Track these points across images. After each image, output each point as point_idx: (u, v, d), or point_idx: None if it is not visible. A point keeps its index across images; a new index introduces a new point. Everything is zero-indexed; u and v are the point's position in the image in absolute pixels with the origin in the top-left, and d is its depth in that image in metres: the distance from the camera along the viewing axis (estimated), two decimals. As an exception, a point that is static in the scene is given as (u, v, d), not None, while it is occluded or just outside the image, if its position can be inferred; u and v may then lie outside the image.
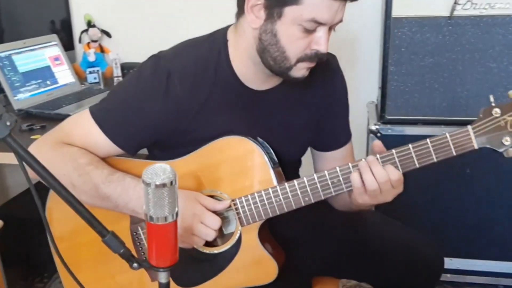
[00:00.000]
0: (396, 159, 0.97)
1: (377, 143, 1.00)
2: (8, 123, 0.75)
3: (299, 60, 0.97)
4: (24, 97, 1.75)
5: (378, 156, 0.97)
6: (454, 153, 0.96)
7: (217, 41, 1.06)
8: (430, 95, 1.66)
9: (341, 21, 0.96)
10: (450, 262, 1.80)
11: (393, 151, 0.97)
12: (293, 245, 1.15)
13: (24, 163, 0.78)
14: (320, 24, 0.93)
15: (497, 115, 0.94)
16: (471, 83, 1.63)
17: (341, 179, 0.99)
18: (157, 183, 0.75)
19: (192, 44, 1.07)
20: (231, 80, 1.05)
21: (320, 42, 0.95)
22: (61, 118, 1.60)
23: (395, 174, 0.95)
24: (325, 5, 0.91)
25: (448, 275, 1.83)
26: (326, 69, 1.12)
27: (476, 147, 0.95)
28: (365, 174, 0.96)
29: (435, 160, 0.97)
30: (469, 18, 1.58)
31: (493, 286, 1.90)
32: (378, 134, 1.71)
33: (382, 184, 0.95)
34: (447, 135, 0.95)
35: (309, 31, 0.94)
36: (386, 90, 1.68)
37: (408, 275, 1.18)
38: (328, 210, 1.23)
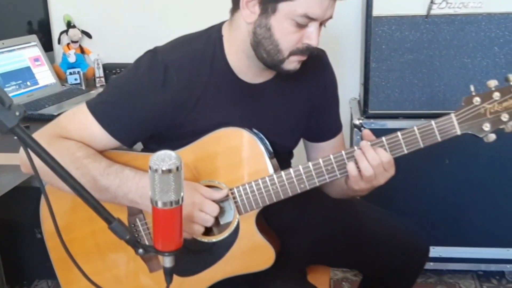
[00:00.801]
0: (386, 145, 1.01)
1: (367, 132, 1.04)
2: (17, 113, 0.76)
3: (291, 53, 1.01)
4: (4, 98, 1.72)
5: (369, 143, 1.01)
6: (439, 139, 1.00)
7: (212, 36, 1.09)
8: (410, 90, 1.73)
9: (331, 17, 1.01)
10: (433, 251, 1.83)
11: (383, 138, 1.02)
12: (286, 234, 1.17)
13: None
14: (311, 19, 0.98)
15: (477, 103, 0.99)
16: (447, 78, 1.71)
17: (335, 166, 1.03)
18: (164, 168, 0.76)
19: (188, 39, 1.10)
20: (227, 74, 1.08)
21: (312, 37, 0.99)
22: (45, 118, 1.60)
23: (385, 156, 0.99)
24: (317, 2, 0.96)
25: (431, 263, 1.89)
26: (317, 63, 1.16)
27: (459, 133, 1.00)
28: (361, 162, 0.99)
29: (421, 146, 1.01)
30: (444, 17, 1.67)
31: (473, 272, 2.00)
32: (362, 128, 1.77)
33: (375, 167, 0.99)
34: (433, 122, 1.00)
35: (301, 26, 0.98)
36: (368, 86, 1.74)
37: (396, 261, 1.23)
38: (319, 201, 1.26)
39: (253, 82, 1.10)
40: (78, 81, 2.06)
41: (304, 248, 1.21)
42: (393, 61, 1.71)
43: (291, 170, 1.04)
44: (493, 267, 1.94)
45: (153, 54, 1.06)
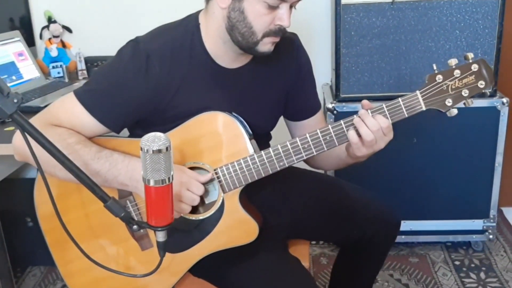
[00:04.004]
0: (386, 111, 1.06)
1: (365, 102, 1.09)
2: (15, 100, 0.82)
3: (265, 34, 1.08)
4: (-11, 93, 1.75)
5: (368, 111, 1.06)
6: (406, 115, 1.07)
7: (189, 25, 1.14)
8: (378, 74, 1.82)
9: None
10: (404, 224, 1.90)
11: (383, 104, 1.07)
12: (268, 210, 1.24)
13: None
14: (282, 1, 1.04)
15: (440, 81, 1.06)
16: (413, 61, 1.80)
17: (333, 136, 1.08)
18: (154, 149, 0.83)
19: (167, 29, 1.16)
20: (205, 60, 1.14)
21: (283, 18, 1.06)
22: (32, 110, 1.63)
23: (385, 122, 1.05)
24: None
25: (403, 237, 2.00)
26: (290, 46, 1.23)
27: (424, 108, 1.06)
28: (361, 128, 1.05)
29: (390, 121, 1.07)
30: (408, 3, 1.76)
31: (442, 243, 2.11)
32: (335, 112, 1.85)
33: (375, 132, 1.05)
34: (400, 99, 1.07)
35: (272, 8, 1.05)
36: (339, 71, 1.82)
37: (369, 232, 1.30)
38: (296, 179, 1.34)
39: (230, 67, 1.16)
40: (61, 75, 2.09)
41: (284, 223, 1.28)
42: (362, 46, 1.79)
43: (270, 149, 1.10)
44: (460, 238, 2.05)
45: (135, 44, 1.11)
